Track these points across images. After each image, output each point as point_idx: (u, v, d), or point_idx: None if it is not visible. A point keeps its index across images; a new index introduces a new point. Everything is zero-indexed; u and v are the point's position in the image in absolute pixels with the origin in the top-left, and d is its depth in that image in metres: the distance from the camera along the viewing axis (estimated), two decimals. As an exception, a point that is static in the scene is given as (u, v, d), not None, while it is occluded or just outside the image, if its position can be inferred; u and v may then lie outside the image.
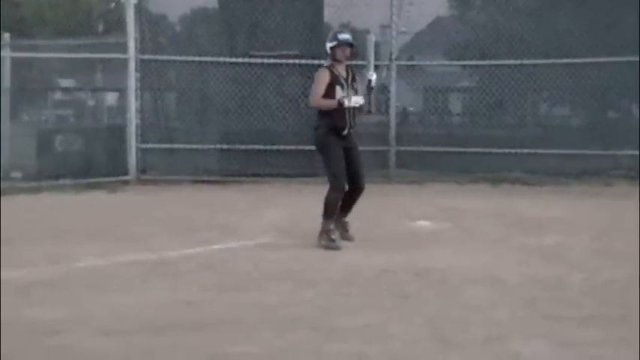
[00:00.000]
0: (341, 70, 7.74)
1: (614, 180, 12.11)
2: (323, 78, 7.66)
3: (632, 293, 5.89)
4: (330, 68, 7.73)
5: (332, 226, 7.65)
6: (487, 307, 5.54)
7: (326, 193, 7.68)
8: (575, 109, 14.13)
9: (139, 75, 12.20)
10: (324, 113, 7.70)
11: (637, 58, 12.23)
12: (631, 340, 4.76)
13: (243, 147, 12.50)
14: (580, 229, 8.53)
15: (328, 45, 7.73)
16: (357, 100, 7.65)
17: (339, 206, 7.73)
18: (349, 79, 7.75)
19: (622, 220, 9.14)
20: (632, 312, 5.37)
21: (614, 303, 5.65)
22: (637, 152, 12.20)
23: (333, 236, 7.60)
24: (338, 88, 7.64)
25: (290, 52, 12.56)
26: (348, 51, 7.72)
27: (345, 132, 7.66)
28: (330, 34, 7.92)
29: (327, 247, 7.51)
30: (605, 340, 4.77)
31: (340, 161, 7.64)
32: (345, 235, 7.86)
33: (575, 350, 4.61)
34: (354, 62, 8.20)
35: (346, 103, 7.57)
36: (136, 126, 12.19)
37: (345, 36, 7.75)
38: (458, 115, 15.01)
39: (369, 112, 8.11)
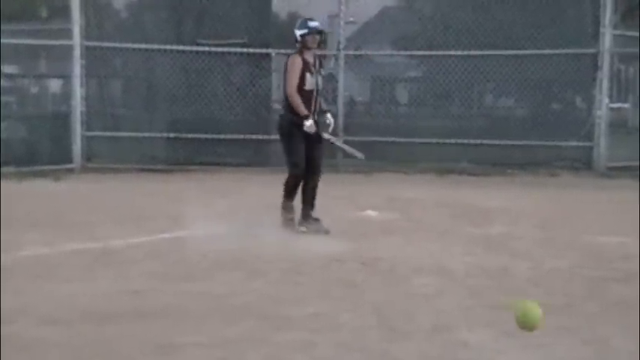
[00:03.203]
0: (309, 57, 7.82)
1: (558, 171, 12.30)
2: (297, 65, 7.73)
3: (576, 282, 6.00)
4: (300, 55, 7.79)
5: (291, 205, 7.84)
6: (434, 296, 5.59)
7: (285, 179, 7.86)
8: (520, 101, 14.29)
9: (84, 62, 12.05)
10: (290, 104, 7.76)
11: (581, 51, 12.43)
12: (575, 329, 4.84)
13: (190, 135, 12.43)
14: (525, 219, 8.64)
15: (298, 32, 7.77)
16: (310, 127, 7.67)
17: (297, 187, 7.87)
18: (317, 66, 7.86)
19: (566, 210, 9.30)
20: (575, 301, 5.47)
21: (559, 292, 5.73)
22: (581, 143, 12.43)
23: (290, 215, 7.81)
24: (308, 76, 7.73)
25: (238, 41, 12.51)
26: (318, 38, 7.83)
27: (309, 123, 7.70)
28: (300, 22, 7.97)
29: (284, 224, 7.77)
30: (549, 329, 4.82)
31: (300, 150, 7.76)
32: (320, 228, 7.86)
33: (520, 339, 4.64)
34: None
35: (307, 124, 7.65)
36: (81, 113, 12.05)
37: (315, 23, 7.84)
38: (405, 105, 15.08)
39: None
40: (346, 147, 8.48)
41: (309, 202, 7.96)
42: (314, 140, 7.83)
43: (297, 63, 7.73)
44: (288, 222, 7.82)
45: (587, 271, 6.32)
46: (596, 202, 9.31)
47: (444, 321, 4.96)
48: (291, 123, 7.78)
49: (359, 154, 8.19)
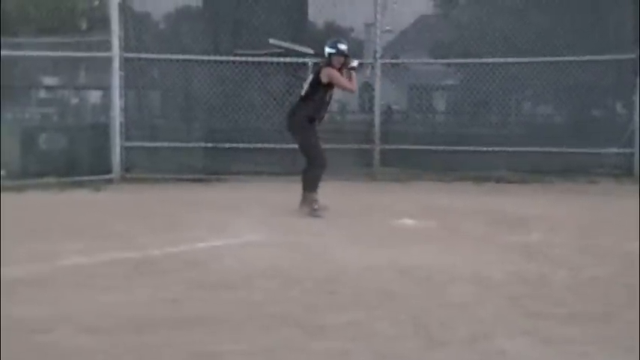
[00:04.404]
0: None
1: (598, 178, 12.17)
2: (336, 71, 9.04)
3: (616, 290, 5.93)
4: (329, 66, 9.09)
5: (316, 197, 8.95)
6: (472, 304, 5.56)
7: (308, 170, 9.10)
8: (559, 108, 14.18)
9: (122, 73, 12.14)
10: (308, 103, 9.06)
11: (621, 57, 12.32)
12: (614, 338, 4.79)
13: (227, 145, 12.49)
14: (564, 226, 8.57)
15: (327, 50, 9.07)
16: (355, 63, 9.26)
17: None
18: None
19: (605, 218, 9.21)
20: (615, 309, 5.41)
21: (598, 300, 5.68)
22: (621, 150, 12.30)
23: (315, 206, 8.92)
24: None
25: (274, 50, 12.56)
26: (342, 60, 9.07)
27: (319, 122, 9.16)
28: (331, 41, 9.22)
29: (313, 215, 8.88)
30: (589, 338, 4.79)
31: (319, 142, 9.10)
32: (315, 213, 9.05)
33: (559, 348, 4.63)
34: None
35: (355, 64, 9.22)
36: (120, 124, 12.14)
37: (344, 47, 9.10)
38: (442, 113, 15.04)
39: None
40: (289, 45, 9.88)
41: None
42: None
43: (334, 70, 9.04)
44: (315, 212, 8.90)
45: (627, 279, 6.23)
46: (636, 210, 9.17)
47: (481, 329, 4.94)
48: (307, 119, 9.02)
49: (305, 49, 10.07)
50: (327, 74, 9.01)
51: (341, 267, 6.66)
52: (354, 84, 9.28)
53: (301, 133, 9.11)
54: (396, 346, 4.65)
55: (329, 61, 9.05)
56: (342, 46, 9.08)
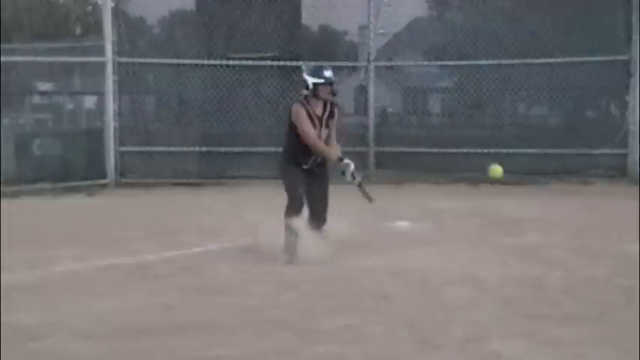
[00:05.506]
0: (316, 107, 7.29)
1: (592, 179, 12.19)
2: (303, 114, 7.22)
3: (612, 291, 5.94)
4: (304, 105, 7.27)
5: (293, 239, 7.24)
6: (467, 307, 5.55)
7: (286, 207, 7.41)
8: (553, 109, 14.19)
9: (116, 78, 12.15)
10: (291, 145, 7.38)
11: (613, 57, 12.34)
12: (611, 338, 4.78)
13: (222, 149, 12.50)
14: (559, 228, 8.57)
15: (311, 80, 7.23)
16: (351, 176, 7.41)
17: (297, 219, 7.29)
18: (324, 117, 7.32)
19: (601, 219, 9.20)
20: (611, 310, 5.41)
21: (594, 301, 5.68)
22: (615, 151, 12.31)
23: (291, 237, 7.22)
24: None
25: (268, 54, 12.58)
26: (329, 89, 7.27)
27: (307, 167, 7.36)
28: (314, 69, 7.45)
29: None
30: (585, 339, 4.79)
31: (297, 187, 7.35)
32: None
33: (555, 349, 4.62)
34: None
35: (348, 172, 7.37)
36: (114, 129, 12.14)
37: (330, 73, 7.29)
38: (437, 115, 15.05)
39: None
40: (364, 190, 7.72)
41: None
42: (314, 184, 7.44)
43: (302, 112, 7.22)
44: (289, 246, 7.25)
45: (622, 279, 6.25)
46: (630, 210, 9.17)
47: (476, 332, 4.93)
48: (285, 162, 7.43)
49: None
50: (295, 113, 7.25)
51: (336, 270, 6.66)
52: (321, 147, 7.27)
53: (281, 177, 7.52)
54: (390, 349, 4.65)
55: (314, 92, 7.21)
56: (328, 73, 7.25)
